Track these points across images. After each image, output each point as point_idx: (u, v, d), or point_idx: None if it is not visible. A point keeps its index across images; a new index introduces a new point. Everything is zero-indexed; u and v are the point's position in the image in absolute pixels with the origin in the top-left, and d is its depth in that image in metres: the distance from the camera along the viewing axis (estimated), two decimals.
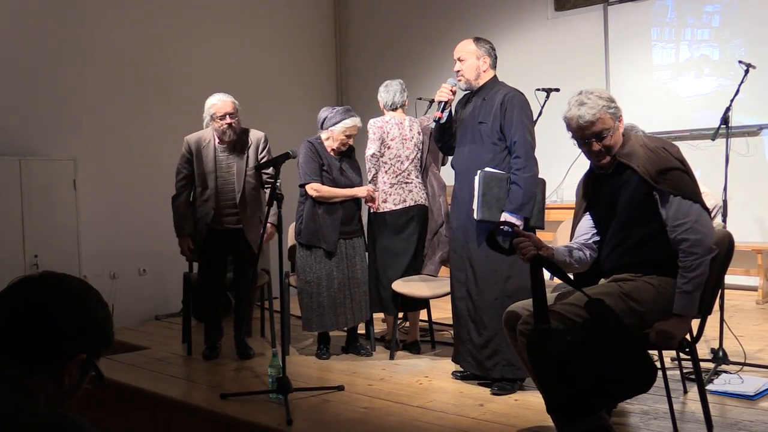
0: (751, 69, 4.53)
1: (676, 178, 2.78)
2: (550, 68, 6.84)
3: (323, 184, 4.53)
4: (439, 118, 3.97)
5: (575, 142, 2.94)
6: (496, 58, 4.01)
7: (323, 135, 4.58)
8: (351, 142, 4.62)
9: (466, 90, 4.03)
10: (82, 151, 6.22)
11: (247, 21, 7.76)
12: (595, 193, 3.02)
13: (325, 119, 4.56)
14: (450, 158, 4.23)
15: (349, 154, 4.70)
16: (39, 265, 5.64)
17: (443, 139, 4.11)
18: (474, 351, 3.91)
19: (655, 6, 6.49)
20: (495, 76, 4.00)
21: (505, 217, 3.74)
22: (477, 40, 3.99)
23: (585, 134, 2.86)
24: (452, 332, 4.27)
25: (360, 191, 4.60)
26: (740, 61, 4.58)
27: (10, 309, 1.48)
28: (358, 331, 4.85)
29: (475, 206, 3.79)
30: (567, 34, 7.00)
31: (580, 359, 2.47)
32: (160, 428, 4.03)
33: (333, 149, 4.58)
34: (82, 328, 1.50)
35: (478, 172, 3.78)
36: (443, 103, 3.95)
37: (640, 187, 2.82)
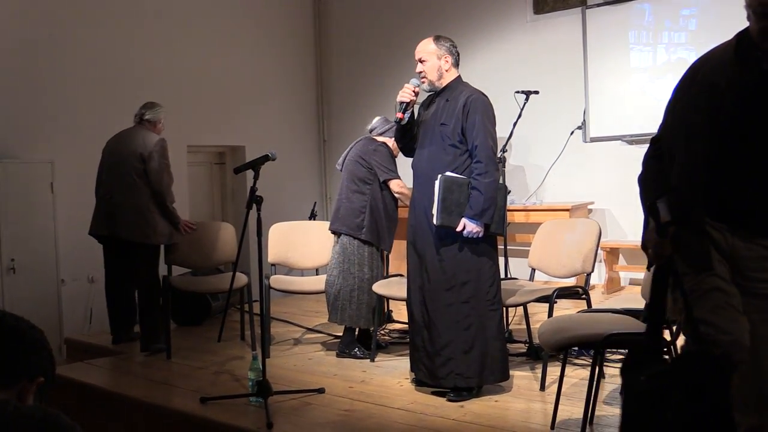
0: None
1: None
2: (530, 71, 6.88)
3: None
4: (401, 119, 3.85)
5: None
6: (458, 55, 3.90)
7: (383, 140, 4.83)
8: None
9: (429, 91, 3.92)
10: (60, 153, 6.16)
11: (228, 23, 7.73)
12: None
13: (388, 129, 4.80)
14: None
15: None
16: (16, 269, 5.59)
17: (404, 140, 4.01)
18: (426, 359, 3.80)
19: (633, 9, 6.54)
20: (459, 76, 3.89)
21: (465, 222, 3.65)
22: (437, 38, 3.87)
23: None
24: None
25: None
26: None
27: None
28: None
29: (434, 211, 3.67)
30: (546, 37, 7.03)
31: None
32: None
33: None
34: (45, 353, 1.76)
35: (439, 176, 3.68)
36: (405, 104, 3.83)
37: None
